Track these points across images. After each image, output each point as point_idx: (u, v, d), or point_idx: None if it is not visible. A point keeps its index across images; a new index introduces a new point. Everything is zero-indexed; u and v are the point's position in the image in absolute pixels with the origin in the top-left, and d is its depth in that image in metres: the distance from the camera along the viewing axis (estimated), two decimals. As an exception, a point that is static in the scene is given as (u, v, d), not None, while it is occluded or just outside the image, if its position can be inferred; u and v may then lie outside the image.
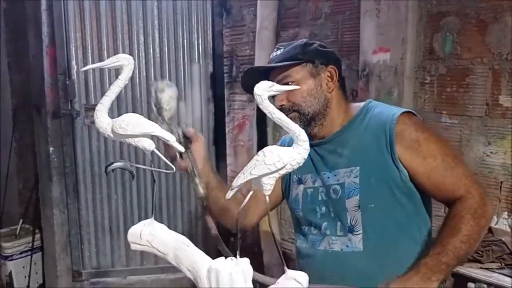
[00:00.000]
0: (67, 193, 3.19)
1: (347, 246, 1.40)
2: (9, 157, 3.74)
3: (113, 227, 3.28)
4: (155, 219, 1.22)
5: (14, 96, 3.71)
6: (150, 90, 1.28)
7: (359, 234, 1.38)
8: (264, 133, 3.05)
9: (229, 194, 1.11)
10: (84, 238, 3.28)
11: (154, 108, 1.32)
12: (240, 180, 1.08)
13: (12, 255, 3.41)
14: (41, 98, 3.10)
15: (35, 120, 3.21)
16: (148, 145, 1.16)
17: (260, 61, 2.89)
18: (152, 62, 3.19)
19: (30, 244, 3.43)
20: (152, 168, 1.26)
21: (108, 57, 1.18)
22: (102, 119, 1.17)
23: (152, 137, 1.16)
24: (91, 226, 3.27)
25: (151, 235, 1.19)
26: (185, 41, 3.23)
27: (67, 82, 3.09)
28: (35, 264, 3.47)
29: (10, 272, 3.42)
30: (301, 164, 1.07)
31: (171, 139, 1.16)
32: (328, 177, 1.44)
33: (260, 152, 1.07)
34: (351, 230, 1.39)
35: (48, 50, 3.05)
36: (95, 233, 3.28)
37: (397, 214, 1.38)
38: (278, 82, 1.30)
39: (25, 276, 3.44)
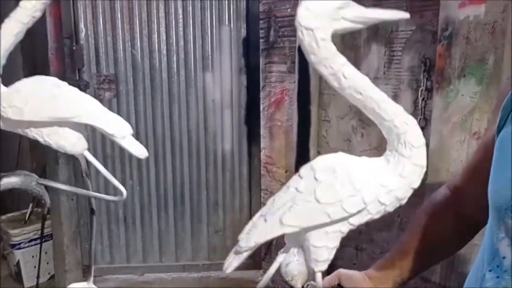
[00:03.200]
0: (75, 178, 2.67)
1: None
2: (20, 138, 3.27)
3: (128, 218, 2.74)
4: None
5: (26, 65, 3.20)
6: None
7: None
8: (307, 112, 2.41)
9: (229, 265, 0.50)
10: (96, 229, 2.76)
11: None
12: (255, 236, 0.46)
13: (20, 243, 2.95)
14: (46, 66, 2.55)
15: (40, 92, 2.67)
16: (72, 143, 0.56)
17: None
18: (173, 24, 2.57)
19: (40, 232, 2.96)
20: (90, 193, 0.65)
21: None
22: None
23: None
24: (103, 216, 2.74)
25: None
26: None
27: (74, 48, 2.53)
28: (45, 253, 3.00)
29: (18, 262, 2.97)
30: (403, 203, 0.44)
31: (117, 132, 0.56)
32: None
33: (305, 169, 0.45)
34: None
35: (52, 9, 2.47)
36: (108, 224, 2.76)
37: None
38: None
39: (34, 266, 2.98)
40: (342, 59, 0.41)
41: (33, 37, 2.66)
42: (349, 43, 2.24)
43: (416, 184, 0.42)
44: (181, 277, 2.80)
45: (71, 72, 2.55)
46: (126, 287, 2.75)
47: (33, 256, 2.98)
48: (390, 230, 2.22)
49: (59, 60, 2.51)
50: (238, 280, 2.86)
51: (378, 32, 2.11)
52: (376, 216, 0.42)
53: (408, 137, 0.41)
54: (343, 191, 0.41)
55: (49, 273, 3.05)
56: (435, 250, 0.87)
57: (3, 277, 3.15)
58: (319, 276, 0.45)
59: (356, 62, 2.20)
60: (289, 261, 0.75)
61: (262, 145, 2.71)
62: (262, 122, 2.65)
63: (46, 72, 2.55)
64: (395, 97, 2.09)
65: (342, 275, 0.82)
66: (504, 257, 0.70)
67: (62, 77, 2.55)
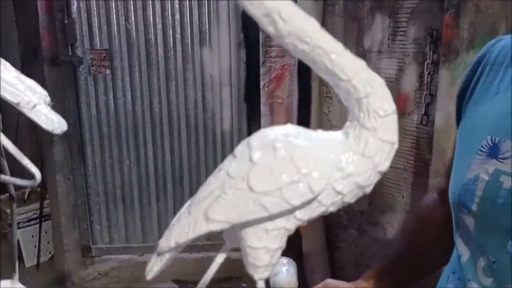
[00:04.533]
0: (71, 157, 2.59)
1: None
2: (18, 111, 3.19)
3: (126, 197, 2.67)
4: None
5: (21, 40, 3.10)
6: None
7: None
8: (308, 88, 2.29)
9: (150, 270, 0.40)
10: (93, 209, 2.69)
11: None
12: (176, 233, 0.36)
13: (19, 223, 2.90)
14: (38, 41, 2.45)
15: (34, 69, 2.58)
16: None
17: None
18: (168, -4, 2.45)
19: (39, 211, 2.91)
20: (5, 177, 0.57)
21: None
22: None
23: None
24: (101, 195, 2.67)
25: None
26: (209, -32, 2.45)
27: (66, 22, 2.42)
28: (46, 232, 2.96)
29: (18, 241, 2.93)
30: (367, 191, 0.34)
31: (23, 101, 0.46)
32: None
33: (241, 146, 0.34)
34: None
35: (42, -19, 2.37)
36: (106, 204, 2.69)
37: None
38: None
39: (34, 246, 2.95)
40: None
41: (26, 11, 2.56)
42: (352, 14, 2.10)
43: (384, 166, 0.30)
44: (181, 257, 2.73)
45: (64, 47, 2.45)
46: (126, 267, 2.71)
47: (33, 236, 2.94)
48: (393, 211, 2.12)
49: (51, 35, 2.41)
50: (239, 261, 2.80)
51: (382, 1, 1.97)
52: (332, 209, 0.32)
53: (372, 102, 0.29)
54: (284, 175, 0.30)
55: (50, 253, 3.01)
56: (428, 257, 0.80)
57: (3, 256, 3.11)
58: (260, 285, 0.35)
59: (359, 34, 2.07)
60: (277, 271, 0.66)
61: (262, 123, 2.59)
62: (262, 99, 2.53)
63: (38, 48, 2.46)
64: (400, 71, 1.96)
65: (330, 285, 0.76)
66: (460, 256, 0.65)
67: (55, 53, 2.46)
